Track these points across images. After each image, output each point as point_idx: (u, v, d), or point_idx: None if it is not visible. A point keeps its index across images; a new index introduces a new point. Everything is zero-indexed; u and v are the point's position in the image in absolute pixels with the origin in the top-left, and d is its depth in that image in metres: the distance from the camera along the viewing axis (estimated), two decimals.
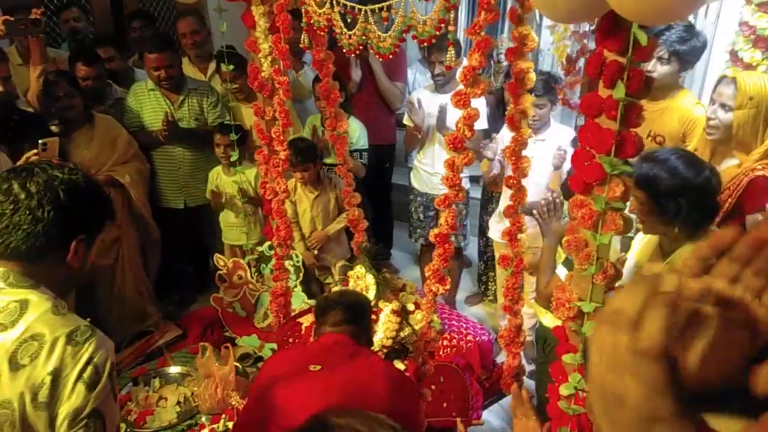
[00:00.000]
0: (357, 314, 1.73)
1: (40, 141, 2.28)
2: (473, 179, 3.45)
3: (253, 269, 3.06)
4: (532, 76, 1.68)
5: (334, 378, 1.50)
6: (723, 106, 1.96)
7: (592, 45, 3.24)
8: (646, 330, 0.41)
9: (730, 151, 2.08)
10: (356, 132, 3.27)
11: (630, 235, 1.92)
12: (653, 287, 0.42)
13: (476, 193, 3.58)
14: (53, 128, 2.75)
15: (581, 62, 3.34)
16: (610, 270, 1.45)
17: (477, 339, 2.48)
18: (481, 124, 3.06)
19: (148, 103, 3.11)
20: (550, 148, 2.66)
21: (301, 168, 2.94)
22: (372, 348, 1.94)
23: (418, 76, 3.97)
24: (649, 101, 2.58)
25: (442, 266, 1.91)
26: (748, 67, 2.50)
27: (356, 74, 3.50)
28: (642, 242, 1.86)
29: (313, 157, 2.97)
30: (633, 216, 1.55)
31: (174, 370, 2.59)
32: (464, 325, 2.57)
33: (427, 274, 1.91)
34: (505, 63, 3.72)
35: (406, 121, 3.24)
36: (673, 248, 1.66)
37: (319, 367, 1.54)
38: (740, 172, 2.05)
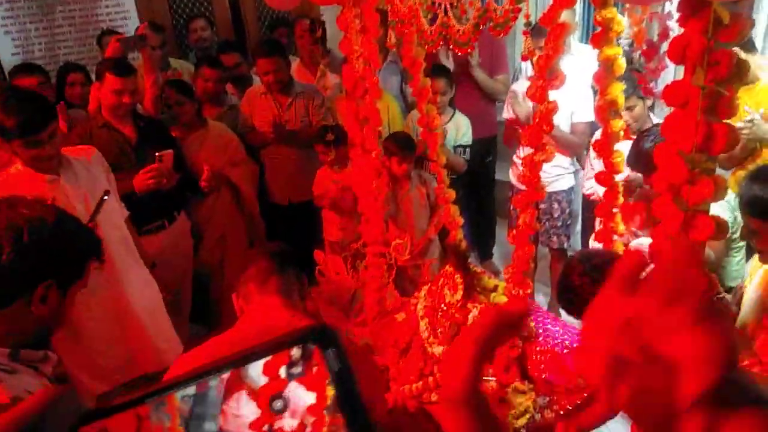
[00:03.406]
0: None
1: (156, 154, 2.50)
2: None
3: (348, 265, 3.12)
4: (621, 62, 1.53)
5: None
6: None
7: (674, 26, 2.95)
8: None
9: None
10: (463, 127, 3.21)
11: None
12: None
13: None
14: (174, 133, 3.02)
15: (664, 46, 3.00)
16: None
17: (574, 344, 2.30)
18: (587, 115, 2.86)
19: (259, 106, 3.31)
20: None
21: (398, 159, 2.91)
22: None
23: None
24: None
25: (522, 269, 1.81)
26: None
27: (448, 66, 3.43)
28: (760, 270, 1.57)
29: (412, 150, 2.94)
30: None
31: None
32: (560, 330, 2.39)
33: (505, 277, 1.82)
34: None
35: (505, 114, 3.11)
36: None
37: None
38: None
